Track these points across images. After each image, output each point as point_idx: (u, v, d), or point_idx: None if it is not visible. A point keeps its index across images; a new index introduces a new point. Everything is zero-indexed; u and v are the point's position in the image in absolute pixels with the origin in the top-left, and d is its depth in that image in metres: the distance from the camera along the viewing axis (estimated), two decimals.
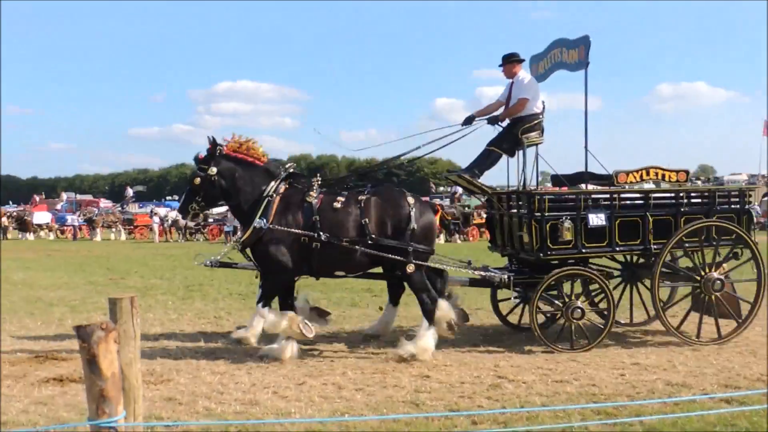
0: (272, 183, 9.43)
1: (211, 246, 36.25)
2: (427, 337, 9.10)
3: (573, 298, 9.72)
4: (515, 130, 10.20)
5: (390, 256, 9.19)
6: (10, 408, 6.90)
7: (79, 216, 52.11)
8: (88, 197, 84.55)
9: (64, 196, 72.92)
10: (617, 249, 9.99)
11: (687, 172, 10.44)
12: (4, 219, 52.39)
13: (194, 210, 9.66)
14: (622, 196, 10.03)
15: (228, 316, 12.44)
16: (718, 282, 9.92)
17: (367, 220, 9.23)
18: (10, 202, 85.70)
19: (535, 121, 10.28)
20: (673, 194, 10.18)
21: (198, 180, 9.45)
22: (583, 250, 9.79)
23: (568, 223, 9.62)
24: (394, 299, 10.23)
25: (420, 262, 9.26)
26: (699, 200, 10.30)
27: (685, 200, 10.11)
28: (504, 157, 10.46)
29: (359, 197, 9.43)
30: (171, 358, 9.02)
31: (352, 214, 9.30)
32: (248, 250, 9.49)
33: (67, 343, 10.23)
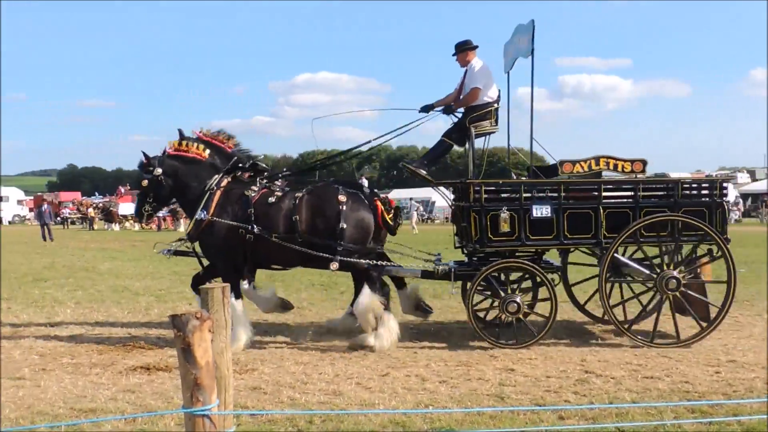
0: (215, 176, 9.70)
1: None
2: (389, 324, 9.20)
3: (510, 291, 9.44)
4: (465, 119, 9.96)
5: (315, 253, 9.28)
6: (99, 395, 7.01)
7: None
8: None
9: None
10: (565, 242, 9.45)
11: (644, 161, 9.69)
12: (90, 210, 53.98)
13: (147, 211, 10.08)
14: (571, 187, 9.48)
15: (311, 307, 12.48)
16: (674, 281, 9.23)
17: (297, 216, 9.40)
18: (96, 193, 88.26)
19: (485, 110, 9.95)
20: (627, 185, 9.61)
21: (145, 182, 9.85)
22: (527, 243, 9.40)
23: (505, 214, 9.24)
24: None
25: (347, 259, 9.29)
26: (661, 192, 9.64)
27: (643, 192, 9.46)
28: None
29: (296, 194, 9.60)
30: (255, 348, 9.07)
31: (284, 210, 9.49)
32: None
33: (154, 332, 10.41)
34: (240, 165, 9.87)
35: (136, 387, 7.33)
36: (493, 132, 10.15)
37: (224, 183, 9.68)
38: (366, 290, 9.27)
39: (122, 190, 74.57)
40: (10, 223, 71.61)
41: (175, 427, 6.03)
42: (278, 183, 9.91)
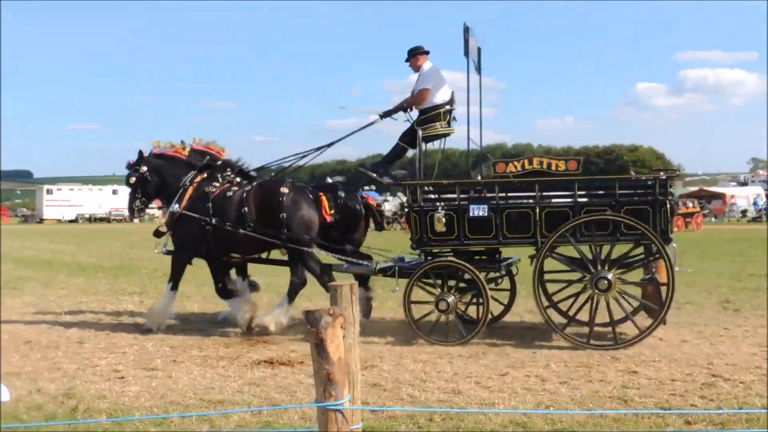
0: (190, 174, 10.69)
1: (406, 234, 36.78)
2: (281, 311, 10.16)
3: (444, 290, 9.45)
4: (415, 122, 10.23)
5: (264, 238, 10.15)
6: (227, 387, 7.27)
7: None
8: None
9: None
10: (503, 241, 9.44)
11: (578, 161, 9.53)
12: None
13: (137, 206, 11.16)
14: (507, 186, 9.49)
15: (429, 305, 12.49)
16: (604, 281, 8.97)
17: (246, 208, 10.20)
18: None
19: (434, 112, 10.15)
20: (562, 185, 9.52)
21: (133, 179, 10.89)
22: (465, 242, 9.46)
23: (440, 214, 9.35)
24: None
25: (293, 246, 10.08)
26: (601, 191, 9.56)
27: (582, 191, 9.41)
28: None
29: (247, 188, 10.46)
30: (375, 345, 9.19)
31: (235, 202, 10.34)
32: None
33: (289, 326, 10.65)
34: (211, 164, 10.81)
35: (260, 380, 7.56)
36: (447, 134, 10.41)
37: (197, 179, 10.67)
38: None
39: None
40: (140, 220, 74.49)
41: (298, 421, 6.19)
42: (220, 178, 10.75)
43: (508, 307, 10.42)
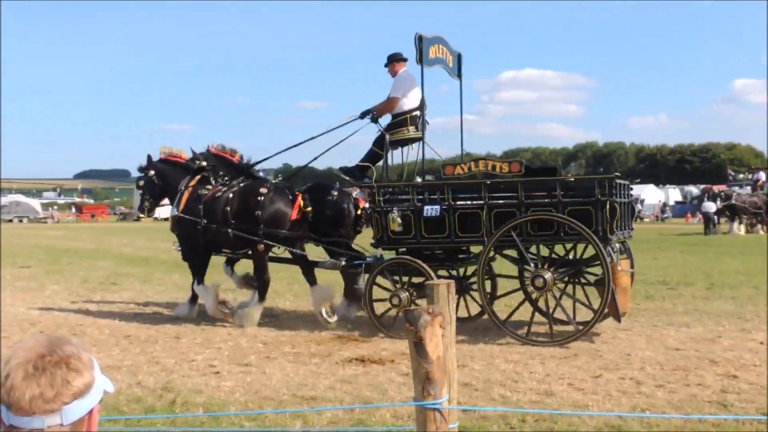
0: (186, 178, 11.66)
1: None
2: (253, 309, 10.87)
3: (398, 287, 9.93)
4: (384, 127, 10.77)
5: (245, 235, 10.88)
6: (319, 384, 7.35)
7: None
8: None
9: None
10: (456, 241, 9.81)
11: (520, 162, 9.96)
12: None
13: (146, 206, 12.26)
14: (457, 188, 9.91)
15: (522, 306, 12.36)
16: (540, 280, 9.15)
17: (228, 207, 11.01)
18: None
19: (402, 117, 10.64)
20: (505, 186, 9.81)
21: (142, 182, 12.09)
22: (422, 241, 9.90)
23: (396, 214, 9.82)
24: (311, 280, 11.39)
25: (270, 242, 10.89)
26: (545, 192, 9.70)
27: (527, 192, 9.57)
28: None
29: (233, 189, 11.28)
30: (465, 345, 9.15)
31: (222, 202, 11.13)
32: None
33: (366, 325, 10.73)
34: (204, 168, 11.67)
35: (352, 378, 7.62)
36: (417, 138, 10.89)
37: (192, 183, 11.60)
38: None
39: None
40: None
41: (390, 419, 6.22)
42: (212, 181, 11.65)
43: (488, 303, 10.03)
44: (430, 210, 9.79)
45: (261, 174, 12.15)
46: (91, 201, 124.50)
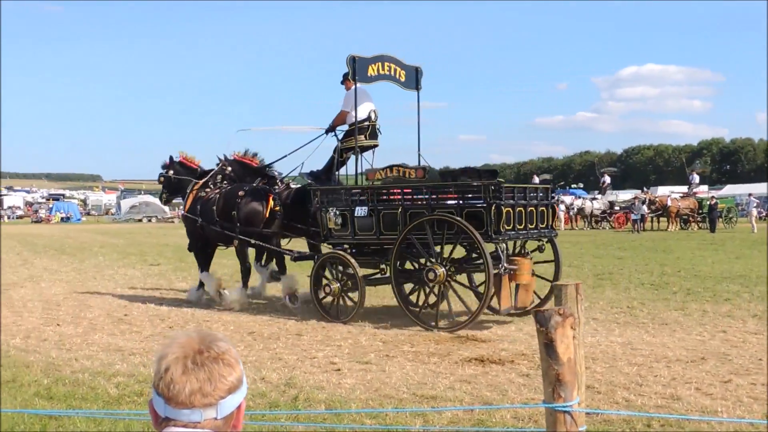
0: (192, 181, 13.93)
1: (617, 234, 35.75)
2: (236, 294, 12.76)
3: (331, 278, 11.31)
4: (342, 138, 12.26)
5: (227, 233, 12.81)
6: (438, 383, 7.36)
7: None
8: None
9: None
10: (381, 238, 11.03)
11: (424, 169, 11.18)
12: None
13: (164, 198, 15.47)
14: (378, 191, 11.14)
15: (641, 307, 12.08)
16: (432, 273, 10.33)
17: (215, 207, 12.94)
18: None
19: (352, 128, 11.92)
20: (412, 190, 10.99)
21: (162, 179, 14.49)
22: (355, 238, 11.29)
23: (332, 214, 11.27)
24: (282, 270, 13.05)
25: (243, 238, 12.67)
26: (451, 196, 10.78)
27: (434, 195, 10.72)
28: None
29: (220, 192, 13.17)
30: (587, 347, 8.98)
31: (211, 204, 13.08)
32: None
33: (484, 325, 10.69)
34: (207, 172, 13.92)
35: (471, 378, 7.59)
36: (371, 146, 12.36)
37: (196, 186, 13.76)
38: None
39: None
40: None
41: (511, 420, 6.17)
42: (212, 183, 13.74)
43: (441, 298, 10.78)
44: (360, 211, 11.16)
45: (277, 175, 13.57)
46: None
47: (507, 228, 10.37)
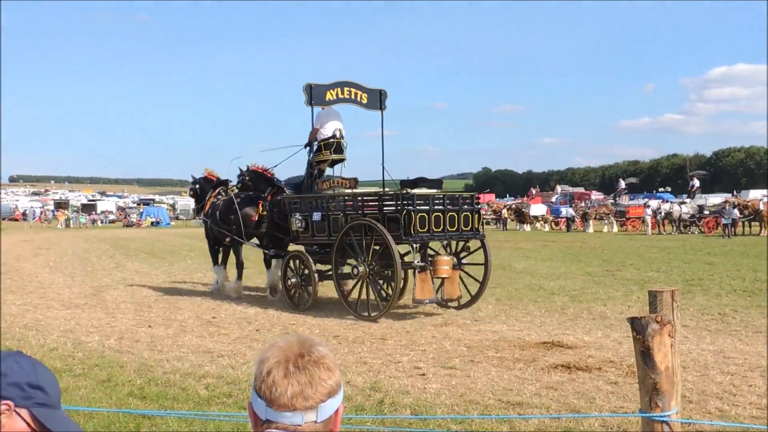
0: (210, 191, 16.73)
1: (706, 239, 34.78)
2: (234, 285, 15.32)
3: (292, 273, 13.45)
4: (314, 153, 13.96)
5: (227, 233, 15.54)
6: (524, 390, 7.29)
7: (572, 208, 53.62)
8: (580, 190, 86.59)
9: (558, 188, 75.57)
10: (332, 239, 12.72)
11: (355, 179, 13.09)
12: (504, 211, 56.15)
13: (195, 209, 18.64)
14: (319, 198, 13.12)
15: (734, 314, 11.73)
16: (356, 270, 12.25)
17: (218, 212, 15.77)
18: (508, 195, 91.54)
19: (322, 144, 13.77)
20: (345, 198, 12.87)
21: (191, 192, 18.08)
22: (314, 239, 13.30)
23: (296, 218, 13.37)
24: (268, 265, 15.03)
25: (237, 238, 15.27)
26: (374, 202, 12.53)
27: (364, 203, 12.62)
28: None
29: (226, 198, 16.07)
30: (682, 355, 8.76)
31: (216, 208, 15.92)
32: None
33: (570, 331, 10.55)
34: (222, 182, 16.91)
35: (558, 385, 7.49)
36: (338, 159, 14.01)
37: (213, 194, 16.55)
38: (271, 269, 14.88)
39: (533, 191, 76.49)
40: None
41: (599, 429, 6.07)
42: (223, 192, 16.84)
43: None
44: (316, 215, 13.05)
45: (284, 185, 14.97)
46: None
47: (421, 230, 11.91)
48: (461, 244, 13.12)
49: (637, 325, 2.87)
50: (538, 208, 55.41)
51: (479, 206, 13.34)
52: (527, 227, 51.32)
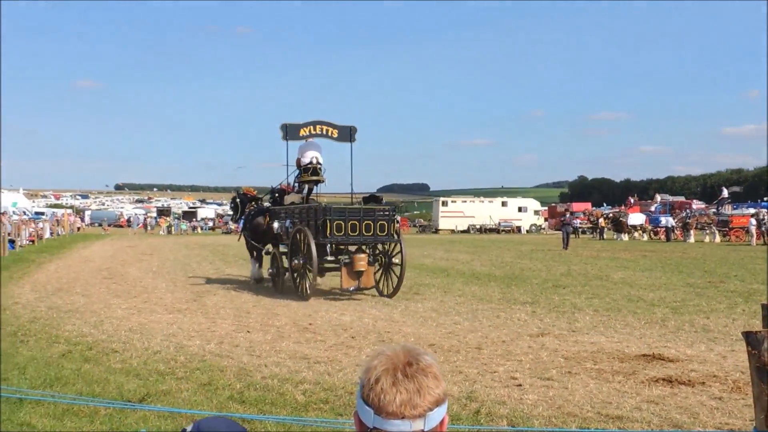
0: (247, 204, 20.74)
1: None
2: (253, 272, 19.64)
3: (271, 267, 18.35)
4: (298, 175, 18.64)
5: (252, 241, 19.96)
6: (624, 403, 7.12)
7: (672, 217, 52.26)
8: (681, 198, 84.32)
9: (658, 197, 73.78)
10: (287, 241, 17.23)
11: (300, 194, 18.48)
12: (601, 220, 55.13)
13: (235, 220, 22.50)
14: (293, 210, 17.61)
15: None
16: (293, 262, 16.54)
17: (243, 220, 20.55)
18: (605, 204, 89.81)
19: (302, 168, 18.21)
20: (294, 210, 17.53)
21: (232, 204, 21.78)
22: (285, 241, 17.39)
23: (276, 225, 17.61)
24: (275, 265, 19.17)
25: (252, 242, 19.79)
26: (309, 214, 16.66)
27: (305, 213, 16.90)
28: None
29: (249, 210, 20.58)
30: None
31: (248, 218, 20.11)
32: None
33: (671, 343, 10.27)
34: (256, 197, 21.11)
35: (659, 399, 7.30)
36: (317, 181, 18.20)
37: (249, 207, 20.55)
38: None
39: (631, 200, 74.89)
40: (527, 231, 76.37)
41: None
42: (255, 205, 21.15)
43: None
44: (288, 223, 17.28)
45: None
46: None
47: (337, 234, 15.96)
48: (385, 247, 17.05)
49: (753, 340, 2.77)
50: (636, 217, 54.23)
51: (395, 216, 17.02)
52: (625, 237, 50.27)
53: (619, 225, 51.79)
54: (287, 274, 17.23)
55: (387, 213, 16.57)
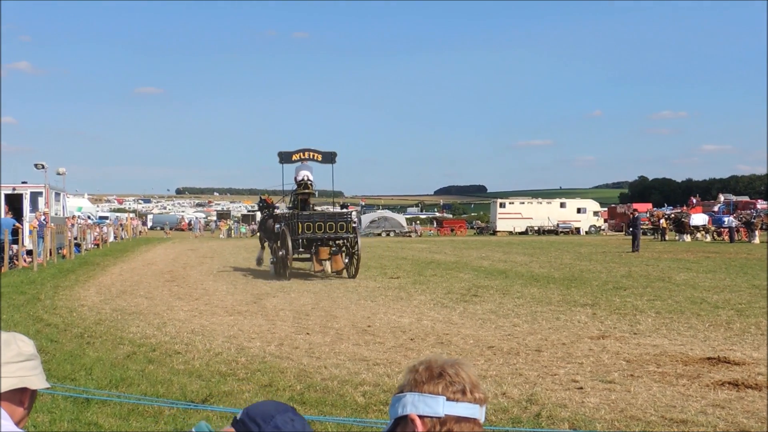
0: (265, 210, 26.51)
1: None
2: (260, 257, 25.65)
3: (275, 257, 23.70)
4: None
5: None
6: (689, 407, 7.00)
7: (736, 217, 51.15)
8: (745, 198, 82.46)
9: (721, 197, 72.29)
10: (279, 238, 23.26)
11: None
12: (662, 220, 54.24)
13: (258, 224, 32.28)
14: (287, 216, 23.84)
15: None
16: (280, 253, 22.35)
17: (261, 224, 26.93)
18: (666, 204, 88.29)
19: (297, 184, 23.85)
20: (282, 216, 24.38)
21: (257, 209, 29.27)
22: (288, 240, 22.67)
23: (276, 227, 23.43)
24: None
25: (267, 240, 25.61)
26: (288, 218, 23.17)
27: (292, 218, 22.92)
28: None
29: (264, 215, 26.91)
30: None
31: (264, 222, 26.18)
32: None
33: (737, 346, 10.08)
34: (274, 206, 26.36)
35: (725, 403, 7.16)
36: (308, 193, 23.87)
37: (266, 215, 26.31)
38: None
39: (693, 200, 73.55)
40: (586, 233, 75.39)
41: None
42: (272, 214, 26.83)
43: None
44: (277, 227, 23.04)
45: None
46: (450, 216, 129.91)
47: (306, 232, 21.84)
48: (346, 241, 22.47)
49: None
50: (699, 218, 53.19)
51: (350, 219, 23.38)
52: (687, 237, 49.34)
53: (681, 226, 50.85)
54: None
55: (345, 216, 23.76)
